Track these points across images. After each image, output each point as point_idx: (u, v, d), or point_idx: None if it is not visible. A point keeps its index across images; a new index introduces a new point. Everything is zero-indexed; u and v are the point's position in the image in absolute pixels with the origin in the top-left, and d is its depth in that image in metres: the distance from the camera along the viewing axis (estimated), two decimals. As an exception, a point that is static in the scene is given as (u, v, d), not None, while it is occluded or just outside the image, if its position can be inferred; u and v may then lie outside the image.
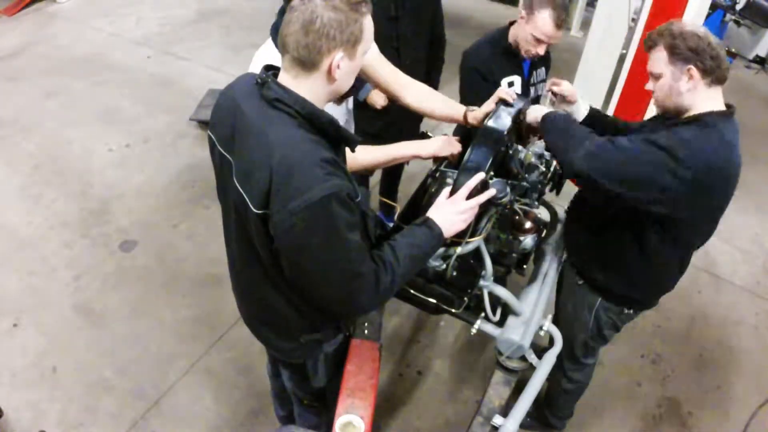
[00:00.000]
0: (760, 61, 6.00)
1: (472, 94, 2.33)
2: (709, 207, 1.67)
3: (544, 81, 2.56)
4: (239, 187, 1.34)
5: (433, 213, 1.53)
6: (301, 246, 1.29)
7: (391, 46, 2.52)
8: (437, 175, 2.19)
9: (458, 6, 6.50)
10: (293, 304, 1.53)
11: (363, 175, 1.95)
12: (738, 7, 5.54)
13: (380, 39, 2.48)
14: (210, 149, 1.51)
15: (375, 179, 3.92)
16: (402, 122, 2.68)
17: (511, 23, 2.39)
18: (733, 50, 6.06)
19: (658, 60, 1.65)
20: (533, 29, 2.21)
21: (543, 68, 2.54)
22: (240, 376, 2.75)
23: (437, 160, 1.98)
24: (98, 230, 3.51)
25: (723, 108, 1.64)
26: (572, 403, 2.48)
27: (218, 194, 1.57)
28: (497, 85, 2.36)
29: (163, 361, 2.80)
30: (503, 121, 1.83)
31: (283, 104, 1.29)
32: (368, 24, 1.30)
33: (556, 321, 2.17)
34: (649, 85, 1.72)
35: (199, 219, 3.58)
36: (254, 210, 1.30)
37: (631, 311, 2.03)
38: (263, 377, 2.34)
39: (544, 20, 2.17)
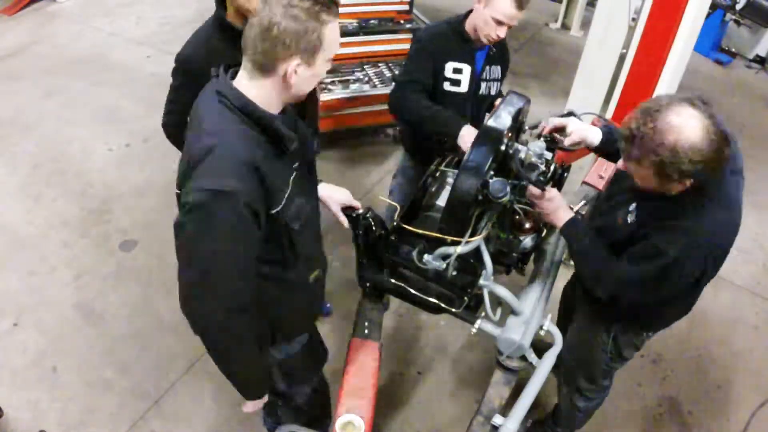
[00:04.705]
0: (760, 61, 6.01)
1: (412, 65, 2.30)
2: None
3: (498, 80, 2.42)
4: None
5: None
6: (178, 224, 1.37)
7: None
8: (437, 174, 2.20)
9: (460, 7, 6.50)
10: None
11: None
12: (738, 6, 5.55)
13: None
14: None
15: (372, 180, 3.92)
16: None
17: (470, 12, 2.30)
18: (733, 50, 6.08)
19: (640, 172, 1.42)
20: (492, 12, 2.11)
21: (499, 67, 2.41)
22: (240, 375, 2.74)
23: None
24: (98, 230, 3.51)
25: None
26: (584, 421, 2.42)
27: None
28: (438, 67, 2.27)
29: (163, 361, 2.80)
30: (503, 120, 1.83)
31: (224, 97, 1.32)
32: (329, 32, 1.29)
33: (573, 344, 2.10)
34: (620, 165, 1.48)
35: (199, 219, 3.57)
36: (176, 190, 1.38)
37: (651, 333, 1.98)
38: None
39: (503, 1, 2.08)
